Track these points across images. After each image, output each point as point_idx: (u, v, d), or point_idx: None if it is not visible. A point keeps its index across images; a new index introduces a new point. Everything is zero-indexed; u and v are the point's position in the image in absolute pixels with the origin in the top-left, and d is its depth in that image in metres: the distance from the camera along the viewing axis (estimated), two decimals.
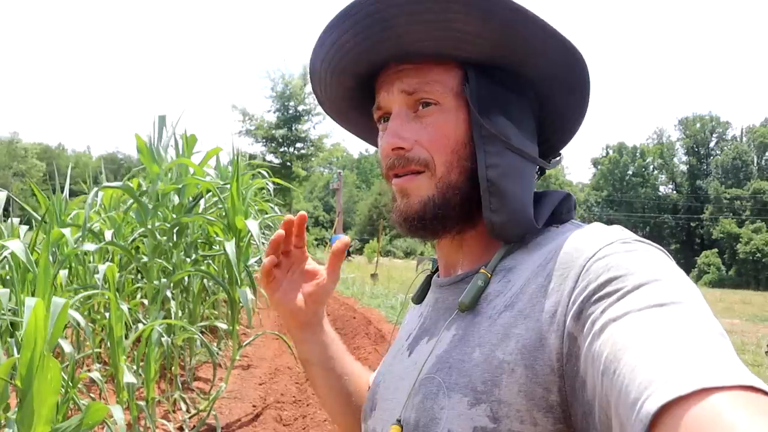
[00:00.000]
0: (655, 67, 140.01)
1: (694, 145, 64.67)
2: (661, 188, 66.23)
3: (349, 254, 26.03)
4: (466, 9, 0.61)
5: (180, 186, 3.91)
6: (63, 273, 3.34)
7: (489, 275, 0.65)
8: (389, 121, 0.70)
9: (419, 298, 0.82)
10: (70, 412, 2.78)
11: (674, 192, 64.36)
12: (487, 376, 0.56)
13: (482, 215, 0.67)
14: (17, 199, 3.71)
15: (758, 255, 48.34)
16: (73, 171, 4.44)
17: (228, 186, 4.20)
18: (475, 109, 0.66)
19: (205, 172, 4.33)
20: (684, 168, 65.35)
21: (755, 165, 61.72)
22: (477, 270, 0.67)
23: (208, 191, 4.20)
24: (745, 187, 56.60)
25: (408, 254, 47.51)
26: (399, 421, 0.64)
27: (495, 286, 0.64)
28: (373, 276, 15.59)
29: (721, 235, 52.88)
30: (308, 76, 0.80)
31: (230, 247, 3.79)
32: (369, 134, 0.85)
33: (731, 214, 55.21)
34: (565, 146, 0.79)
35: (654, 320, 0.45)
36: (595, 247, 0.56)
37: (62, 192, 3.97)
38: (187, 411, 4.08)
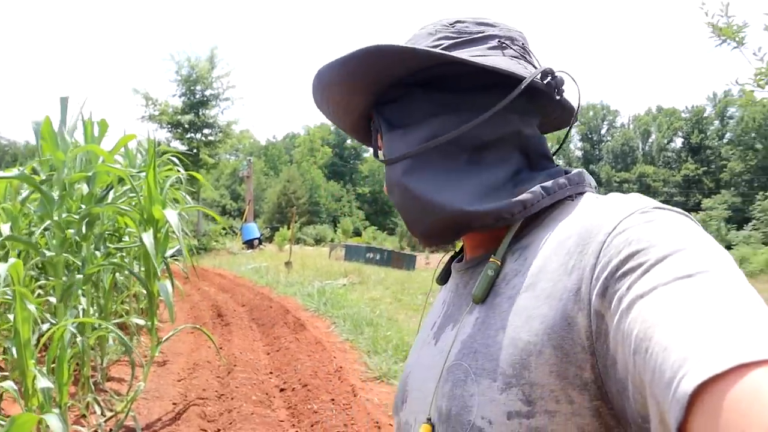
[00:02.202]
0: (551, 57, 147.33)
1: (588, 132, 69.11)
2: None
3: (260, 242, 25.47)
4: (325, 93, 0.76)
5: (90, 174, 3.63)
6: None
7: (498, 263, 0.64)
8: None
9: (443, 279, 0.81)
10: None
11: None
12: (515, 359, 0.55)
13: None
14: None
15: None
16: None
17: (142, 174, 3.95)
18: (374, 151, 0.77)
19: (115, 160, 4.05)
20: (579, 153, 69.67)
21: (640, 150, 66.94)
22: (490, 254, 0.66)
23: (119, 180, 3.93)
24: (632, 170, 61.25)
25: (318, 241, 47.25)
26: (429, 419, 0.62)
27: (512, 265, 0.63)
28: (288, 264, 15.37)
29: None
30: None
31: (148, 238, 3.58)
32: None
33: None
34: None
35: (682, 293, 0.43)
36: (614, 221, 0.54)
37: None
38: (102, 414, 3.83)
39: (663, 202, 0.57)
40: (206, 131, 26.56)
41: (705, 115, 66.69)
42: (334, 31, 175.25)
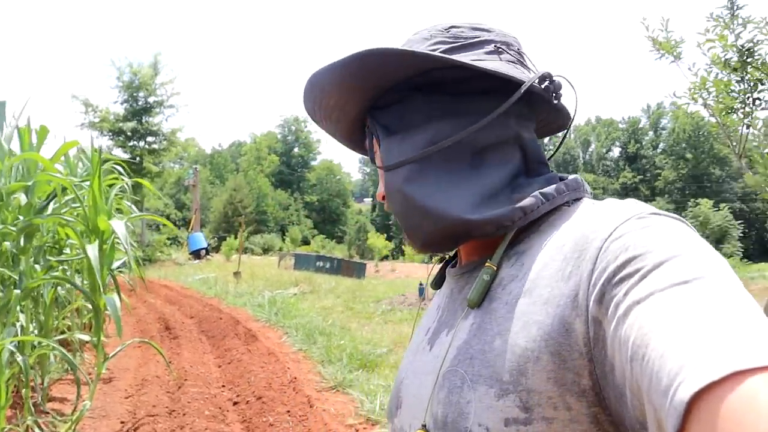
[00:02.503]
0: None
1: None
2: None
3: (207, 253, 24.86)
4: (319, 98, 0.75)
5: (29, 183, 3.45)
6: None
7: (494, 268, 0.63)
8: None
9: (437, 284, 0.81)
10: None
11: None
12: (512, 366, 0.54)
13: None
14: None
15: None
16: None
17: (85, 184, 3.79)
18: (371, 157, 0.77)
19: (56, 169, 3.87)
20: None
21: (581, 159, 69.46)
22: (485, 259, 0.66)
23: (63, 189, 3.75)
24: None
25: (266, 250, 46.55)
26: (424, 426, 0.61)
27: (509, 270, 0.62)
28: (236, 274, 15.07)
29: None
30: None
31: (93, 250, 3.42)
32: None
33: None
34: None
35: (679, 299, 0.43)
36: (611, 227, 0.54)
37: None
38: None
39: None
40: (150, 139, 25.79)
41: (640, 125, 69.95)
42: (278, 38, 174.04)
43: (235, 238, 23.69)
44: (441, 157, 0.68)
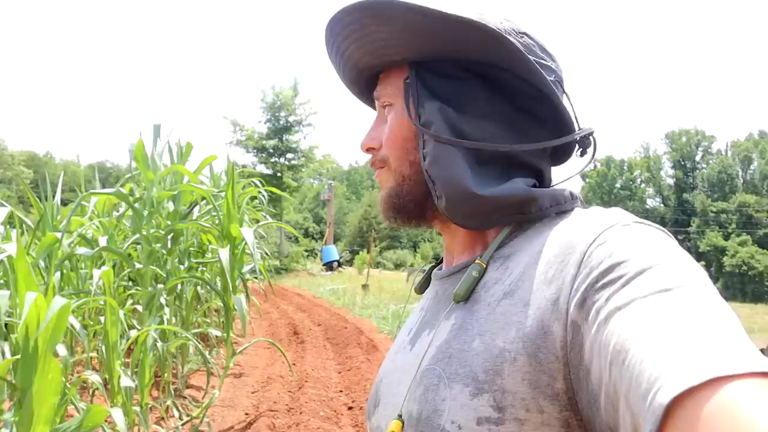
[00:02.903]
0: (642, 81, 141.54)
1: (680, 159, 65.51)
2: (649, 201, 66.86)
3: (339, 265, 25.94)
4: (373, 20, 0.68)
5: (175, 193, 3.92)
6: (55, 277, 3.33)
7: (484, 265, 0.65)
8: None
9: (421, 288, 0.83)
10: (67, 414, 2.76)
11: (662, 205, 65.03)
12: (488, 365, 0.56)
13: None
14: (19, 214, 3.67)
15: (744, 268, 48.94)
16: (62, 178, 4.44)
17: (222, 194, 4.21)
18: (406, 103, 0.72)
19: (199, 180, 4.34)
20: (671, 181, 66.10)
21: (740, 178, 62.66)
22: (473, 260, 0.68)
23: (203, 199, 4.21)
24: (731, 200, 57.31)
25: (398, 266, 47.37)
26: (400, 416, 0.63)
27: (493, 274, 0.64)
28: (365, 287, 15.55)
29: (708, 248, 53.46)
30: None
31: (224, 254, 3.79)
32: None
33: (717, 227, 55.93)
34: (565, 123, 0.71)
35: (660, 306, 0.44)
36: (595, 233, 0.55)
37: (53, 198, 3.98)
38: (180, 418, 4.06)
39: None
40: (289, 155, 27.54)
41: None
42: None
43: (368, 252, 24.45)
44: (478, 155, 0.69)
